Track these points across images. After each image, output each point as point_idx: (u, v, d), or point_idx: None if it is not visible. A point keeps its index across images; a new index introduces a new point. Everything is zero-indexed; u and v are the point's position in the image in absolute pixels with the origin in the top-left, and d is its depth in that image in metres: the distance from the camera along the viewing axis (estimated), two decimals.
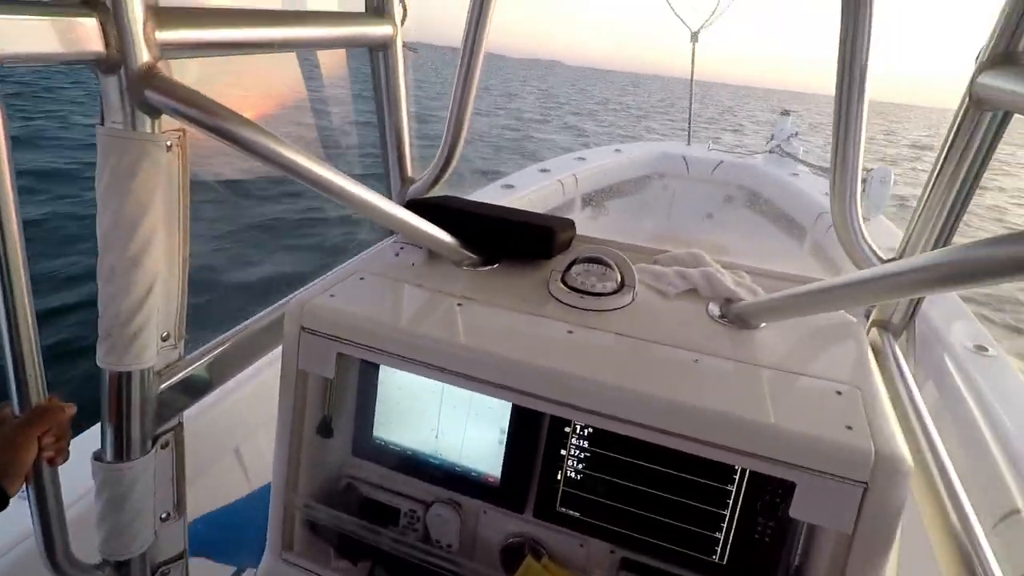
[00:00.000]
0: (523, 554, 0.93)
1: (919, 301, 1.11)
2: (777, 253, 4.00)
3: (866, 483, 0.71)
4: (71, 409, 0.80)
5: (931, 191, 0.99)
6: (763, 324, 0.97)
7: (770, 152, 4.99)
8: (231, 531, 1.30)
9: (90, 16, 0.69)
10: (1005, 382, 1.66)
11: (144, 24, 0.73)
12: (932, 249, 1.01)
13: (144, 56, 0.74)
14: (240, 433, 1.72)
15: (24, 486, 0.77)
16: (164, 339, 0.89)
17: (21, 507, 0.81)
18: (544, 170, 4.05)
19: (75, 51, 0.69)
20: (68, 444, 0.80)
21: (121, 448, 0.86)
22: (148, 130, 0.78)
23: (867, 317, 1.14)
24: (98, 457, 0.87)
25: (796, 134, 5.19)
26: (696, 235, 4.33)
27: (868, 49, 0.90)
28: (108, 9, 0.70)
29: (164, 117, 0.79)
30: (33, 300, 0.73)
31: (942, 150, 0.97)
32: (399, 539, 0.98)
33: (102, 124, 0.77)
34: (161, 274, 0.84)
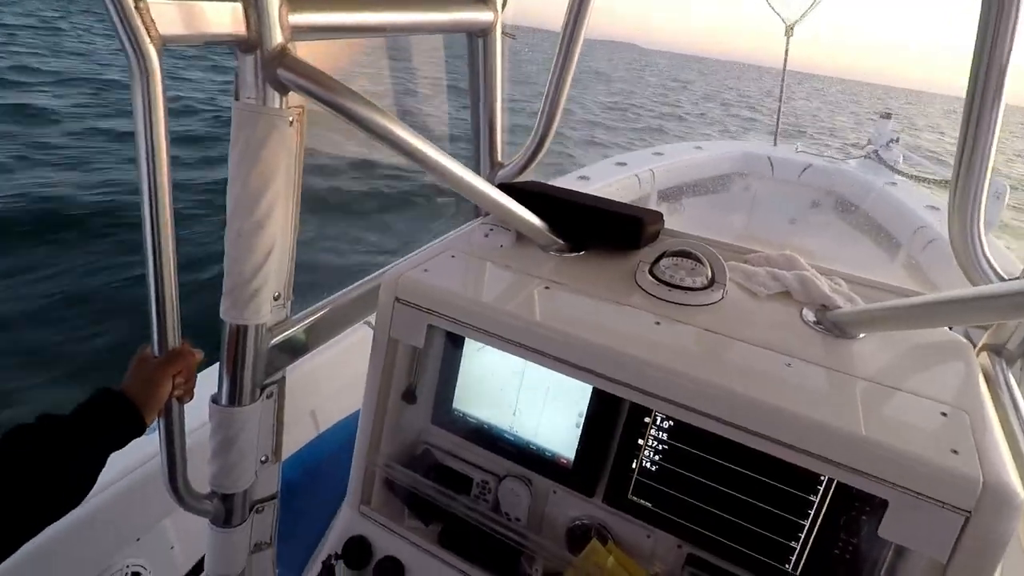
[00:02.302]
0: (589, 536, 0.95)
1: None
2: (866, 266, 3.74)
3: (969, 512, 0.67)
4: (199, 354, 0.89)
5: None
6: (861, 335, 0.94)
7: (866, 157, 4.68)
8: (308, 477, 1.40)
9: (236, 0, 0.76)
10: None
11: (280, 8, 0.80)
12: None
13: (278, 38, 0.81)
14: (318, 397, 1.83)
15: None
16: (276, 299, 0.96)
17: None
18: (621, 163, 3.99)
19: (222, 33, 0.76)
20: (194, 385, 0.90)
21: (235, 394, 0.95)
22: (276, 106, 0.85)
23: (973, 342, 1.06)
24: (215, 400, 0.96)
25: (896, 139, 4.83)
26: (778, 239, 4.14)
27: (1010, 47, 0.83)
28: None
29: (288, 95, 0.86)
30: (177, 253, 0.81)
31: None
32: (471, 506, 1.02)
33: (236, 100, 0.84)
34: (278, 239, 0.91)
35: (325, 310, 1.11)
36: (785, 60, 5.28)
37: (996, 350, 1.03)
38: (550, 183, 1.40)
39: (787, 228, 4.41)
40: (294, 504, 1.35)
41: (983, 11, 0.83)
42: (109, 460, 0.78)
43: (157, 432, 0.91)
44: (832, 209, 4.38)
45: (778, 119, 5.23)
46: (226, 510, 1.01)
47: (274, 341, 0.98)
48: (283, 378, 1.04)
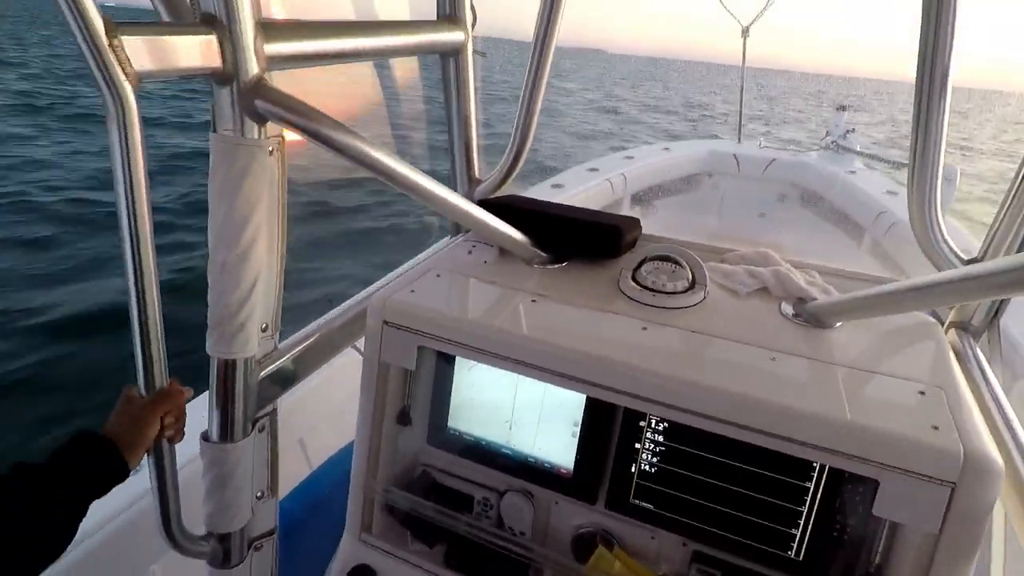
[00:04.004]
0: (595, 544, 0.96)
1: (1003, 302, 1.07)
2: (834, 253, 3.88)
3: (954, 483, 0.70)
4: (188, 392, 0.88)
5: (1020, 184, 0.95)
6: (838, 324, 0.97)
7: (825, 148, 4.84)
8: (309, 512, 1.38)
9: (210, 33, 0.77)
10: None
11: (255, 39, 0.80)
12: (1019, 248, 0.98)
13: (254, 69, 0.81)
14: (305, 425, 1.81)
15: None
16: (263, 330, 0.96)
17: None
18: (593, 169, 4.05)
19: (197, 66, 0.76)
20: (184, 424, 0.88)
21: (226, 429, 0.93)
22: (255, 136, 0.85)
23: (941, 320, 1.11)
24: (206, 437, 0.94)
25: (852, 130, 5.01)
26: (749, 235, 4.24)
27: (952, 35, 0.86)
28: (224, 26, 0.77)
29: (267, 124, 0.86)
30: (159, 291, 0.80)
31: None
32: (474, 524, 1.02)
33: (215, 131, 0.84)
34: (263, 270, 0.91)
35: (312, 338, 1.11)
36: (743, 61, 5.44)
37: (963, 327, 1.08)
38: (526, 192, 1.42)
39: (757, 223, 4.52)
40: (295, 539, 1.34)
41: (925, 3, 0.87)
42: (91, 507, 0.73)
43: (148, 475, 0.89)
44: (798, 201, 4.51)
45: (740, 118, 5.36)
46: (224, 550, 0.99)
47: (264, 373, 0.97)
48: (275, 410, 1.03)
